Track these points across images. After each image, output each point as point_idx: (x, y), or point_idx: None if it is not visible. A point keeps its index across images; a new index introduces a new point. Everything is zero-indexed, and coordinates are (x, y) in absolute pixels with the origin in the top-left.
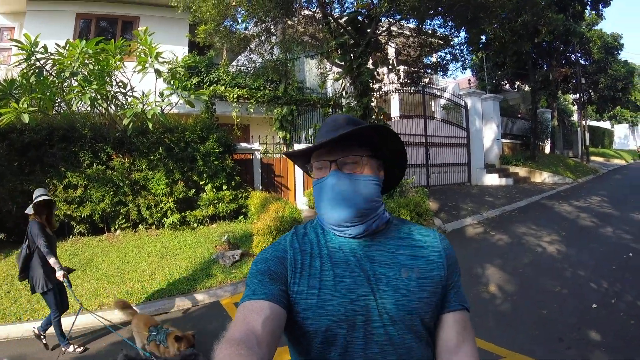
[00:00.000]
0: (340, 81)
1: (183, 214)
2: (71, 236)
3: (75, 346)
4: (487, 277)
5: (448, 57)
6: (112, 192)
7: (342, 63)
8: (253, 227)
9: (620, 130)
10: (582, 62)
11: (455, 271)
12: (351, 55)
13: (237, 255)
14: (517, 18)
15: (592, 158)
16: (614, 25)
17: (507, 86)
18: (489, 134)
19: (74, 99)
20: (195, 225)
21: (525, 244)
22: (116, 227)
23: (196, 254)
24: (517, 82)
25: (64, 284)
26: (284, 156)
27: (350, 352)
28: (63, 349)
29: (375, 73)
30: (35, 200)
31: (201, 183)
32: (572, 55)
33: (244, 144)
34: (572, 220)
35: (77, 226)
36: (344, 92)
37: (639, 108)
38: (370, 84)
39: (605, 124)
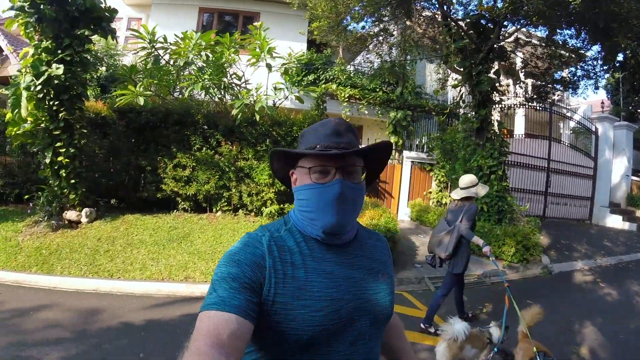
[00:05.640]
0: (457, 89)
1: (282, 205)
2: (175, 211)
3: (435, 327)
4: (583, 336)
5: (579, 72)
6: (217, 176)
7: (461, 69)
8: None
9: None
10: None
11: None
12: (471, 61)
13: None
14: None
15: None
16: None
17: None
18: (618, 168)
19: (186, 87)
20: None
21: (636, 305)
22: (217, 208)
23: None
24: None
25: (489, 258)
26: (392, 162)
27: (331, 356)
28: (424, 326)
29: (497, 83)
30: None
31: None
32: None
33: None
34: None
35: (182, 202)
36: (461, 102)
37: None
38: (491, 95)
39: None
